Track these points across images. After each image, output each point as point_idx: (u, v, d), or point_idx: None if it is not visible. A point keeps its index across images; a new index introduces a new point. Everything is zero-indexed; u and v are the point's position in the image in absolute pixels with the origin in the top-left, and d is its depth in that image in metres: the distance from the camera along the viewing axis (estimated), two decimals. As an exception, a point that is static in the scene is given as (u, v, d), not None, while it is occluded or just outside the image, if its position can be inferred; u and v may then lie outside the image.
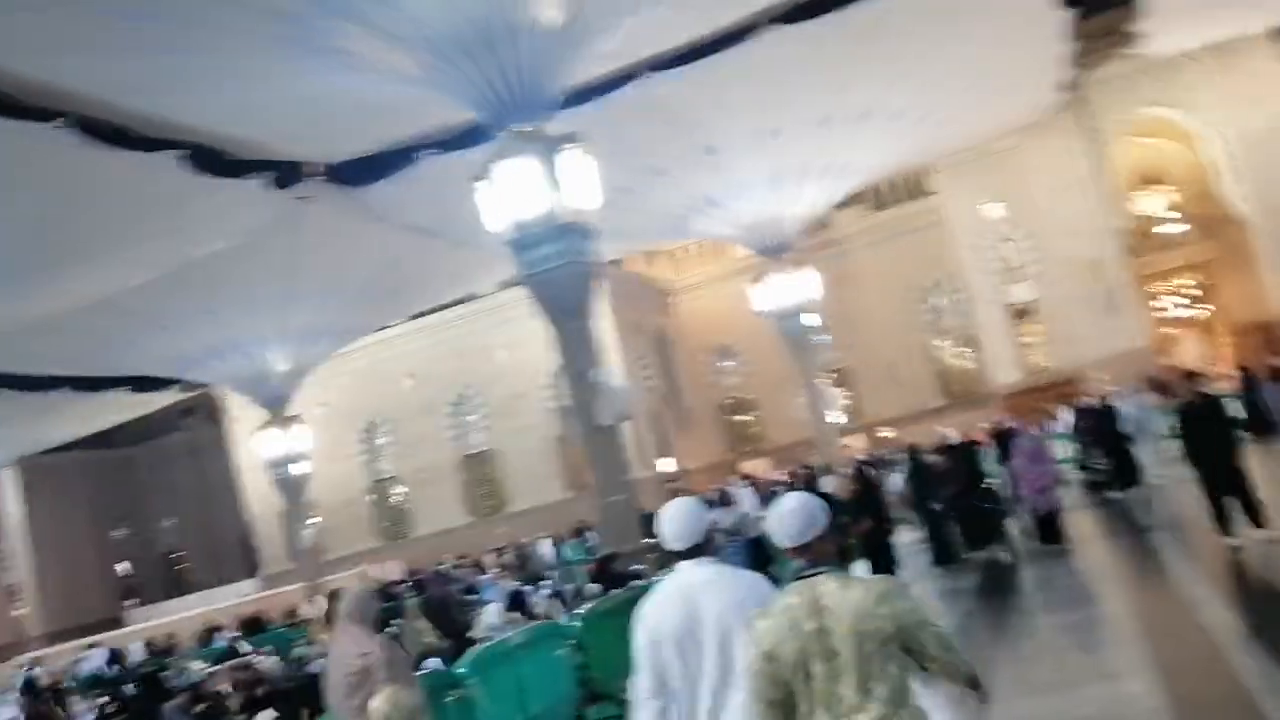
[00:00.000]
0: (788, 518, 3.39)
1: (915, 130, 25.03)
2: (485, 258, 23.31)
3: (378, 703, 4.78)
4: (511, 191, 13.80)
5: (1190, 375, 12.51)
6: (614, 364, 34.79)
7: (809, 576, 3.27)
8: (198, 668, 14.09)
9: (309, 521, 33.88)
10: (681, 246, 41.18)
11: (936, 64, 22.04)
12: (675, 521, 3.94)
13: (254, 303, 25.11)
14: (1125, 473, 17.51)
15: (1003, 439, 17.35)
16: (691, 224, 26.70)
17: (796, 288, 26.91)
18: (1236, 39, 29.59)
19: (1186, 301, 35.49)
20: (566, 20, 13.64)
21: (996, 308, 34.87)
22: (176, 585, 47.61)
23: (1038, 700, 7.03)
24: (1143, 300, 33.44)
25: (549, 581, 14.04)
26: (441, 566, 24.70)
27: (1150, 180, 34.66)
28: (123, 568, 48.37)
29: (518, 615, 9.16)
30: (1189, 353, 34.67)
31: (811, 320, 27.50)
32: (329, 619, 6.95)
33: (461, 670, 6.79)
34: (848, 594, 3.16)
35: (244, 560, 42.76)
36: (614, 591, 9.98)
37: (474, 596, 14.00)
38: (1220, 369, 31.45)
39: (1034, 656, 8.54)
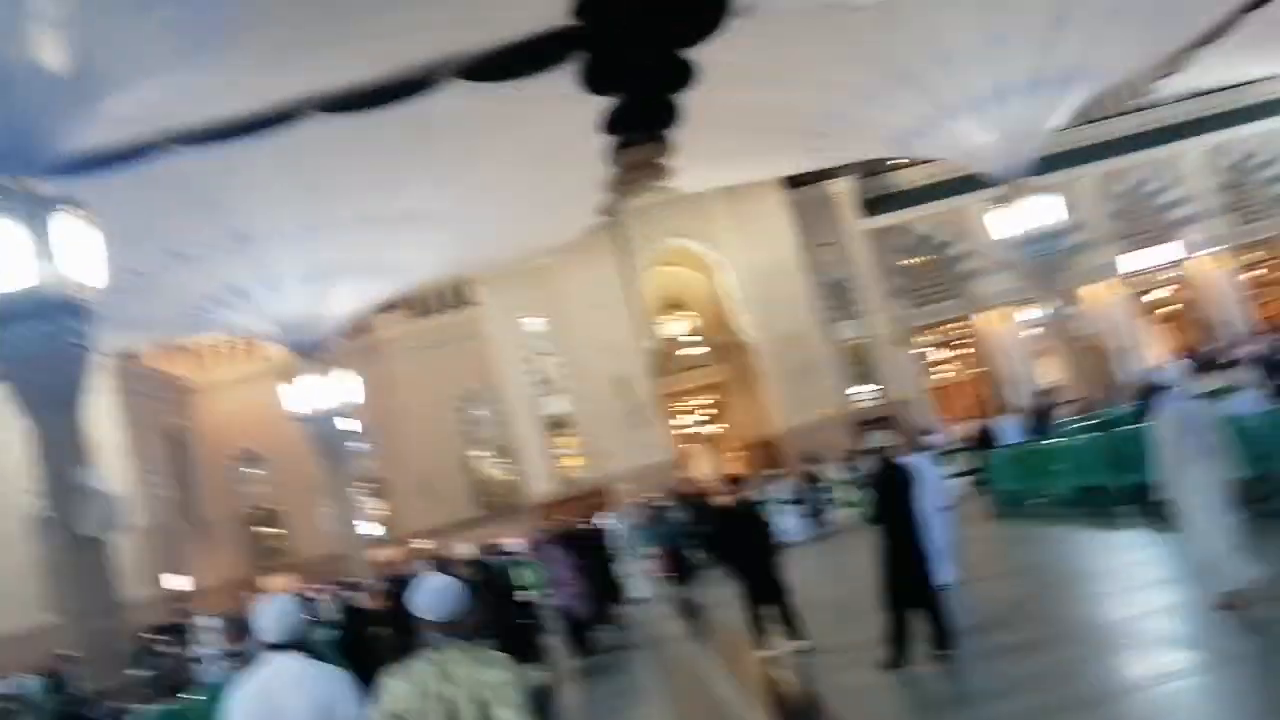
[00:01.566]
0: (439, 595, 3.80)
1: (459, 237, 25.04)
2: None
3: None
4: (-12, 257, 11.62)
5: (733, 480, 12.52)
6: (119, 467, 31.06)
7: (442, 649, 3.73)
8: None
9: None
10: (208, 342, 38.16)
11: (483, 172, 22.26)
12: (270, 615, 4.24)
13: None
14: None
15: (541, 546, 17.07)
16: (217, 316, 24.61)
17: (332, 390, 25.60)
18: (751, 184, 32.98)
19: (704, 418, 38.34)
20: (72, 67, 11.89)
21: (533, 419, 35.58)
22: None
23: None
24: (666, 416, 35.64)
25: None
26: None
27: (675, 305, 37.37)
28: None
29: None
30: (704, 465, 37.37)
31: (347, 425, 26.23)
32: None
33: None
34: (472, 666, 3.68)
35: None
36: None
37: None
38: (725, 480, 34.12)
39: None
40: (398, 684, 3.71)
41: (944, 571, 9.52)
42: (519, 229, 27.50)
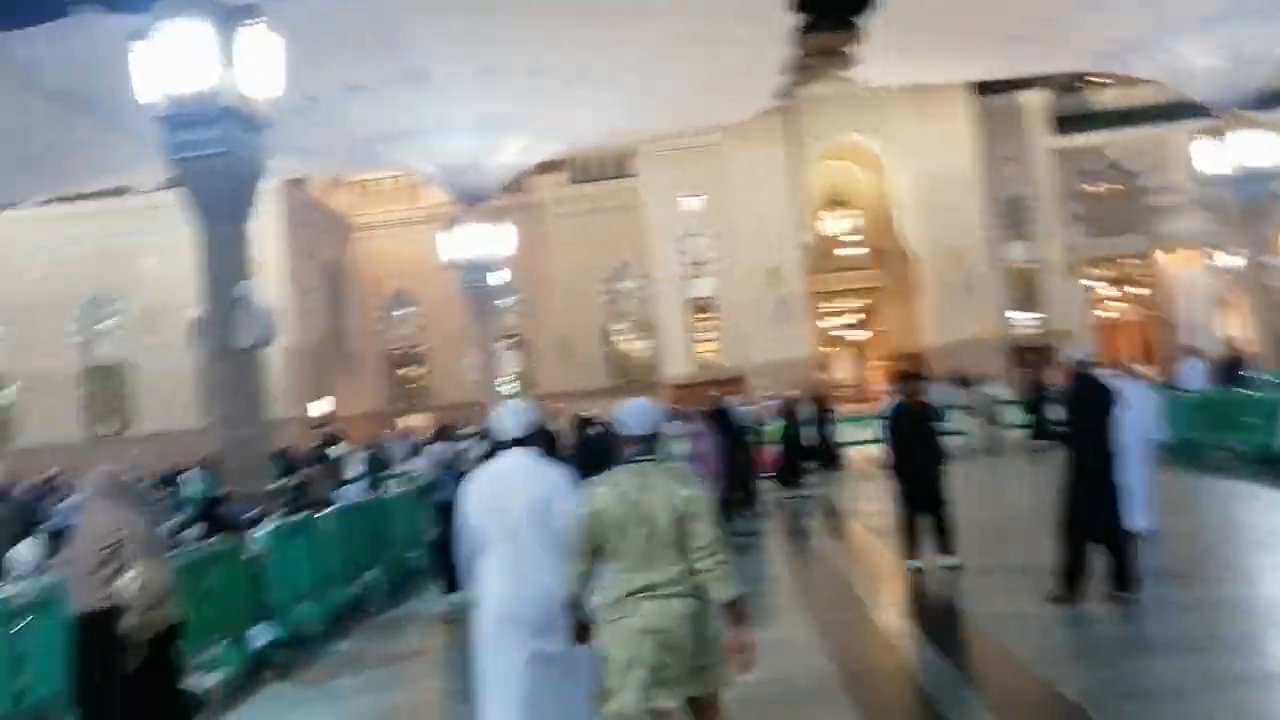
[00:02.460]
0: (642, 414, 4.23)
1: (629, 103, 24.51)
2: (145, 148, 20.44)
3: (128, 579, 4.87)
4: (173, 58, 11.71)
5: (909, 376, 11.46)
6: (278, 290, 32.17)
7: (640, 461, 4.14)
8: None
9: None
10: (373, 179, 38.85)
11: (662, 38, 21.55)
12: (508, 415, 4.92)
13: None
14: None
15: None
16: (385, 153, 24.84)
17: (487, 241, 25.71)
18: (938, 85, 31.29)
19: (851, 322, 37.40)
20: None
21: (677, 299, 35.31)
22: None
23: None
24: (812, 314, 34.85)
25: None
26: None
27: (837, 202, 36.20)
28: None
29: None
30: (844, 370, 36.64)
31: (497, 278, 26.41)
32: None
33: None
34: (668, 479, 4.05)
35: None
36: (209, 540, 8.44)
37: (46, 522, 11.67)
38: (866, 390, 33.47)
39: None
40: (601, 489, 4.11)
41: (1138, 516, 8.73)
42: (691, 102, 26.74)
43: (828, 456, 21.25)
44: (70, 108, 20.84)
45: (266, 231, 31.65)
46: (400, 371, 40.07)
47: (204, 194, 11.88)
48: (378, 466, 20.24)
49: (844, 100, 32.47)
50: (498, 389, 27.37)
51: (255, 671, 7.89)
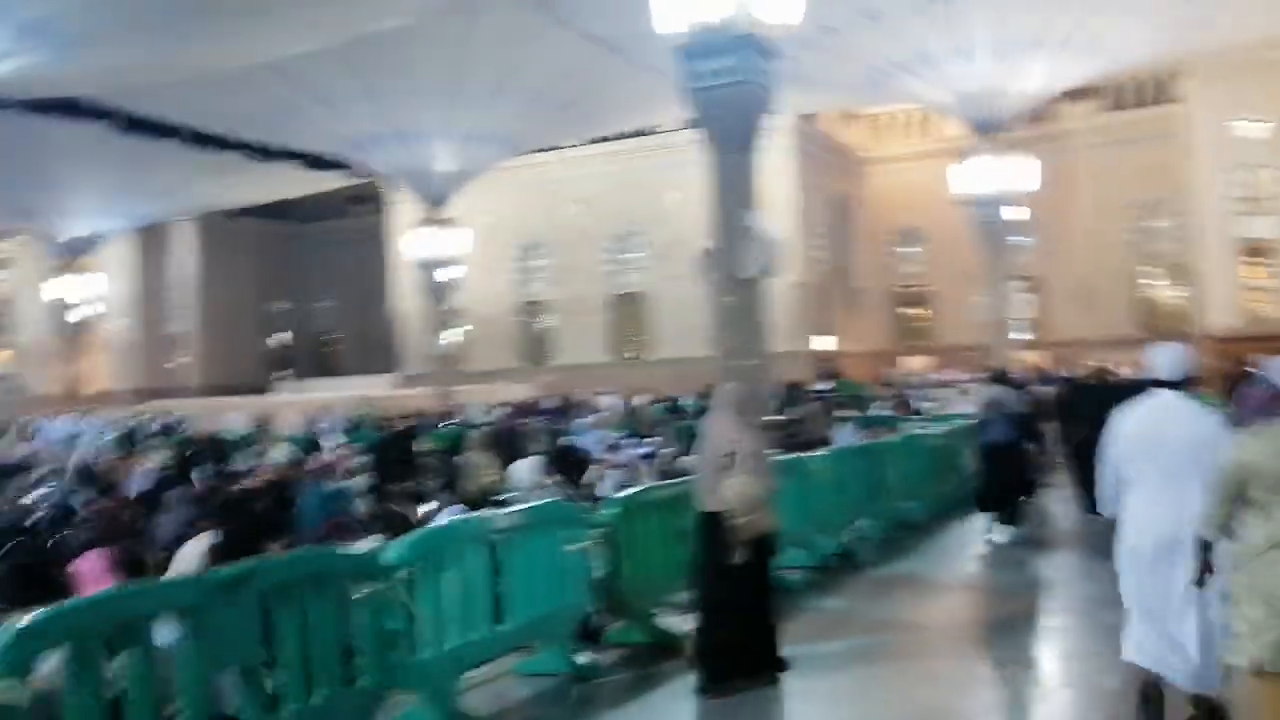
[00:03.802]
0: (1174, 356, 4.79)
1: (1179, 10, 21.41)
2: (670, 88, 21.32)
3: (730, 488, 5.53)
4: (691, -11, 11.75)
5: None
6: (785, 224, 32.57)
7: None
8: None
9: (452, 329, 33.52)
10: (885, 112, 38.01)
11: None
12: (1164, 355, 5.03)
13: (419, 92, 23.92)
14: None
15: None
16: (901, 83, 23.90)
17: (1004, 175, 24.04)
18: None
19: None
20: None
21: (1225, 240, 30.84)
22: (326, 366, 48.71)
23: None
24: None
25: (655, 440, 12.47)
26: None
27: None
28: (278, 340, 49.71)
29: (557, 478, 7.52)
30: None
31: (1013, 215, 24.67)
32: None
33: (392, 556, 4.79)
34: None
35: (392, 353, 43.06)
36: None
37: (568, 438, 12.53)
38: None
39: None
40: (1253, 440, 4.13)
41: None
42: (1256, 4, 22.84)
43: None
44: (603, 49, 22.15)
45: (777, 167, 32.23)
46: (904, 310, 39.25)
47: (716, 124, 11.89)
48: (903, 408, 19.89)
49: None
50: (1006, 333, 25.72)
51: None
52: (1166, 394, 4.96)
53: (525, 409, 17.31)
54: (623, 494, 6.80)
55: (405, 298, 38.24)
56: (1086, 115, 34.75)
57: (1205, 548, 4.27)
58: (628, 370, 34.35)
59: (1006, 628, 7.63)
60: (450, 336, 32.19)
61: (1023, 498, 11.52)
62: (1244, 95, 29.38)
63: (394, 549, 4.82)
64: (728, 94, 11.59)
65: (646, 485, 8.04)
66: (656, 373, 31.87)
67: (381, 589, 4.65)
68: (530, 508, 5.71)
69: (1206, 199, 30.93)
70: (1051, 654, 7.16)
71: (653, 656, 6.35)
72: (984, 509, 11.05)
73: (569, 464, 8.54)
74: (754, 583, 5.82)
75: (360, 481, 8.78)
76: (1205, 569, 4.28)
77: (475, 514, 5.87)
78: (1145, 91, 34.43)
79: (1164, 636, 4.82)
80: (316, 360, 49.59)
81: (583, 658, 6.04)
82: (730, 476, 5.63)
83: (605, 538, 6.16)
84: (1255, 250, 30.68)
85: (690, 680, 5.86)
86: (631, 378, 30.86)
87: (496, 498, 7.32)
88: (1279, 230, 30.01)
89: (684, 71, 11.96)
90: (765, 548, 5.86)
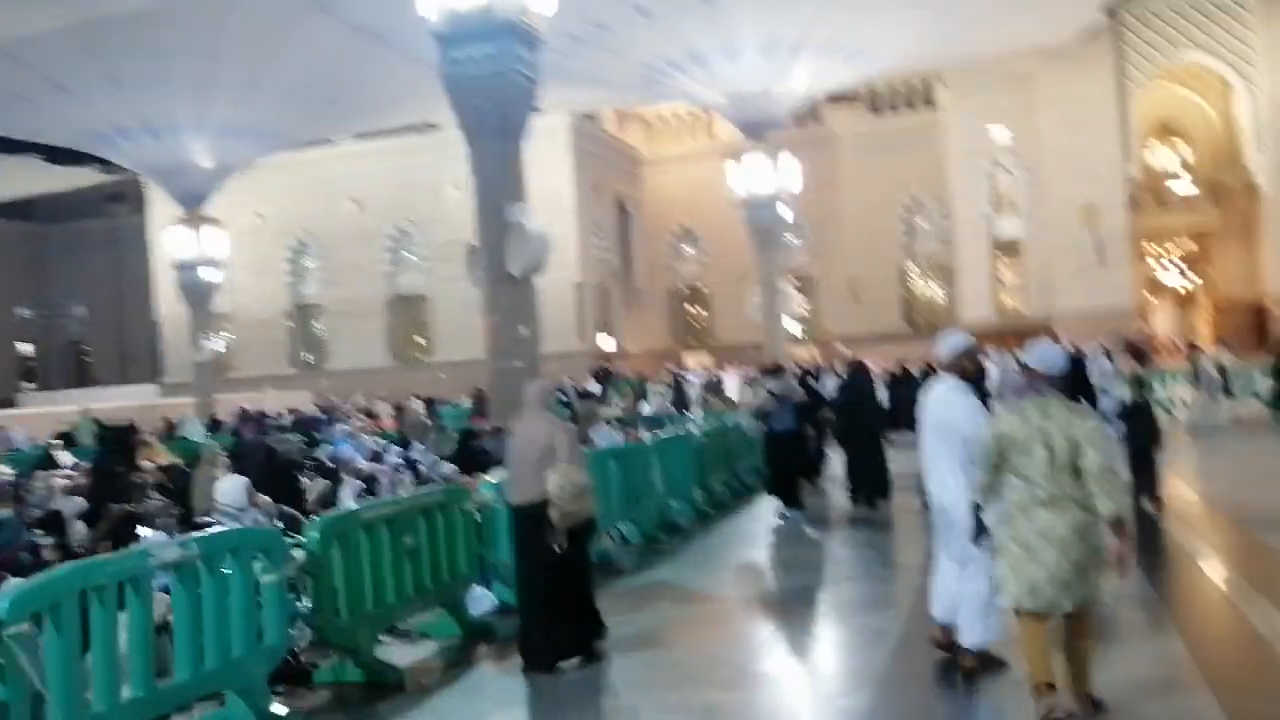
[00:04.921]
0: (1049, 355, 4.77)
1: (932, 23, 22.43)
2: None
3: (554, 477, 5.73)
4: (449, -27, 11.24)
5: None
6: (567, 223, 32.35)
7: (1045, 396, 4.64)
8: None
9: (215, 335, 31.60)
10: (658, 114, 38.40)
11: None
12: (946, 344, 5.66)
13: (167, 81, 22.30)
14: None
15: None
16: (674, 82, 24.04)
17: (774, 174, 24.56)
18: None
19: (1177, 268, 33.48)
20: None
21: (980, 239, 32.67)
22: (79, 376, 45.18)
23: None
24: (1134, 258, 31.33)
25: (421, 446, 11.81)
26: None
27: (1168, 131, 32.37)
28: (24, 348, 45.81)
29: (265, 499, 6.70)
30: (1164, 322, 32.95)
31: (784, 213, 25.23)
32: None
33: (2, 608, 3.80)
34: (1067, 412, 4.59)
35: (151, 363, 40.33)
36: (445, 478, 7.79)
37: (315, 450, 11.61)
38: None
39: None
40: (1008, 415, 4.70)
41: None
42: (1002, 21, 24.23)
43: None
44: (370, 39, 21.25)
45: (555, 164, 32.00)
46: (684, 308, 39.73)
47: (475, 113, 11.43)
48: (680, 402, 19.84)
49: (1180, 14, 28.71)
50: (780, 330, 26.30)
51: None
52: (946, 382, 5.53)
53: (253, 418, 16.11)
54: (328, 514, 6.04)
55: (166, 303, 35.85)
56: (850, 117, 36.07)
57: (977, 509, 4.84)
58: (408, 374, 33.31)
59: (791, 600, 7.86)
60: (214, 342, 30.35)
61: (805, 481, 11.85)
62: (990, 103, 31.18)
63: (4, 598, 3.84)
64: (487, 82, 11.15)
65: (391, 497, 7.45)
66: (439, 374, 31.06)
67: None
68: (206, 536, 4.83)
69: (962, 199, 32.66)
70: (835, 612, 7.39)
71: (368, 696, 5.61)
72: (772, 492, 11.32)
73: (282, 482, 7.82)
74: (575, 568, 6.06)
75: (73, 504, 7.81)
76: (980, 529, 4.87)
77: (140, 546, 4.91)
78: (905, 96, 36.05)
79: (947, 592, 5.44)
80: (69, 370, 45.95)
81: (277, 706, 5.17)
82: (551, 469, 5.83)
83: (308, 566, 5.41)
84: (1006, 248, 32.59)
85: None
86: (412, 382, 29.91)
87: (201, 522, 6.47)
88: (1022, 230, 31.90)
89: (442, 58, 11.43)
90: (584, 533, 6.13)
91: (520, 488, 6.06)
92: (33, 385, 43.60)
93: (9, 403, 37.80)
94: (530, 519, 5.92)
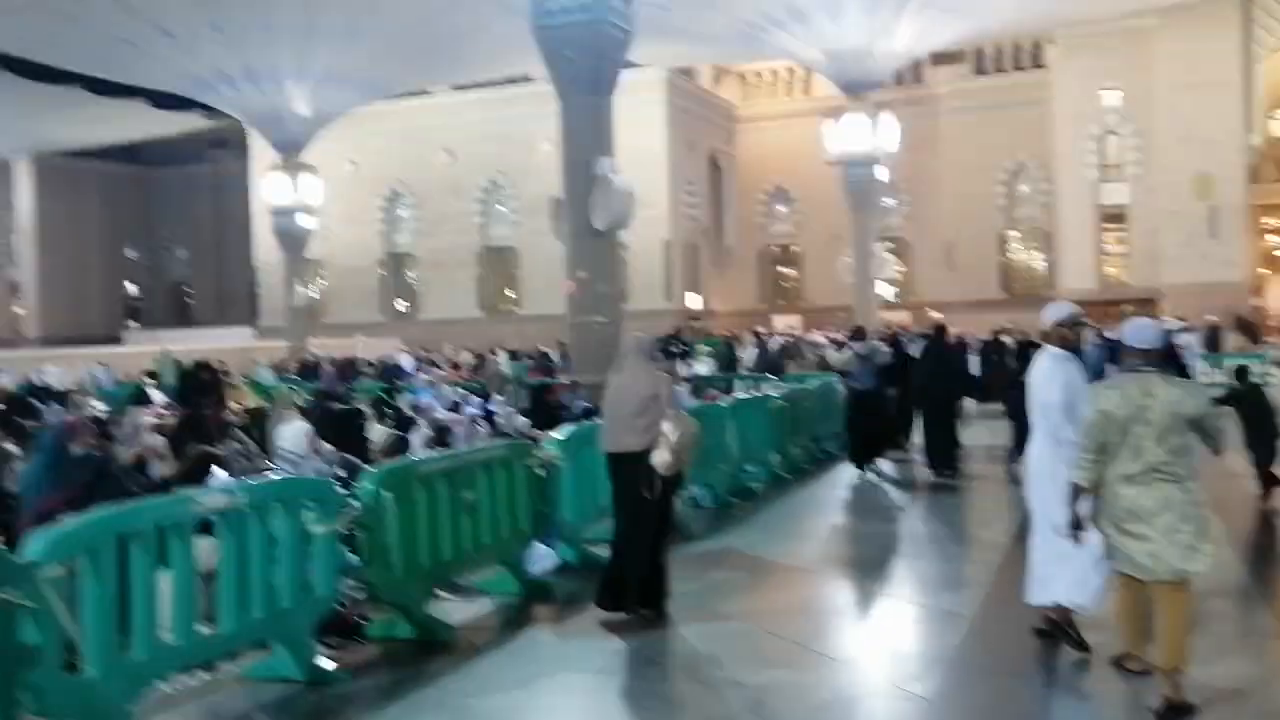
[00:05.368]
0: (1145, 330, 4.74)
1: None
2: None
3: (668, 424, 5.82)
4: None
5: None
6: (659, 180, 32.08)
7: (1144, 372, 4.62)
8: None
9: (310, 281, 32.14)
10: (755, 71, 37.72)
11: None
12: (1053, 310, 5.60)
13: (270, 29, 22.55)
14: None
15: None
16: (772, 39, 23.52)
17: (872, 134, 23.94)
18: None
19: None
20: None
21: (1084, 206, 31.47)
22: (181, 316, 46.56)
23: None
24: (1250, 231, 29.90)
25: (500, 399, 11.79)
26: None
27: (1295, 99, 30.75)
28: (129, 288, 47.30)
29: (328, 447, 6.69)
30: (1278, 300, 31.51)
31: (881, 174, 24.62)
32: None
33: (37, 551, 3.75)
34: (1168, 387, 4.57)
35: (250, 306, 41.28)
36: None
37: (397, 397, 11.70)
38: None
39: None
40: (1110, 391, 4.69)
41: None
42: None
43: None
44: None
45: (648, 119, 31.68)
46: (773, 270, 39.23)
47: (565, 63, 11.27)
48: (765, 363, 19.27)
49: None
50: (872, 294, 25.76)
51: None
52: (1040, 355, 5.54)
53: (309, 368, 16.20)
54: (385, 465, 5.93)
55: (265, 248, 36.58)
56: (954, 78, 35.02)
57: (1076, 493, 4.71)
58: (498, 325, 33.51)
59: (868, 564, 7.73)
60: (309, 289, 30.87)
61: (889, 445, 11.68)
62: (1102, 64, 29.88)
63: (40, 541, 3.76)
64: (579, 33, 10.96)
65: (471, 447, 7.38)
66: (527, 329, 31.14)
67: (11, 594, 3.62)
68: (254, 484, 4.80)
69: (1067, 165, 31.49)
70: (905, 589, 7.14)
71: (418, 653, 5.48)
72: (851, 454, 11.25)
73: (348, 430, 7.80)
74: (660, 519, 6.11)
75: (155, 442, 7.92)
76: (1076, 520, 4.72)
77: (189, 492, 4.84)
78: (1013, 57, 34.84)
79: (1048, 574, 5.32)
80: (171, 310, 47.35)
81: (323, 660, 5.07)
82: (658, 420, 5.87)
83: (362, 518, 5.27)
84: (1112, 216, 31.38)
85: (461, 682, 5.15)
86: (501, 333, 30.10)
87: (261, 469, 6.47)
88: (1132, 198, 30.65)
89: (534, 8, 11.26)
90: (672, 486, 6.13)
91: (617, 437, 6.08)
92: (137, 324, 45.00)
93: (115, 339, 39.09)
94: (628, 467, 5.97)
